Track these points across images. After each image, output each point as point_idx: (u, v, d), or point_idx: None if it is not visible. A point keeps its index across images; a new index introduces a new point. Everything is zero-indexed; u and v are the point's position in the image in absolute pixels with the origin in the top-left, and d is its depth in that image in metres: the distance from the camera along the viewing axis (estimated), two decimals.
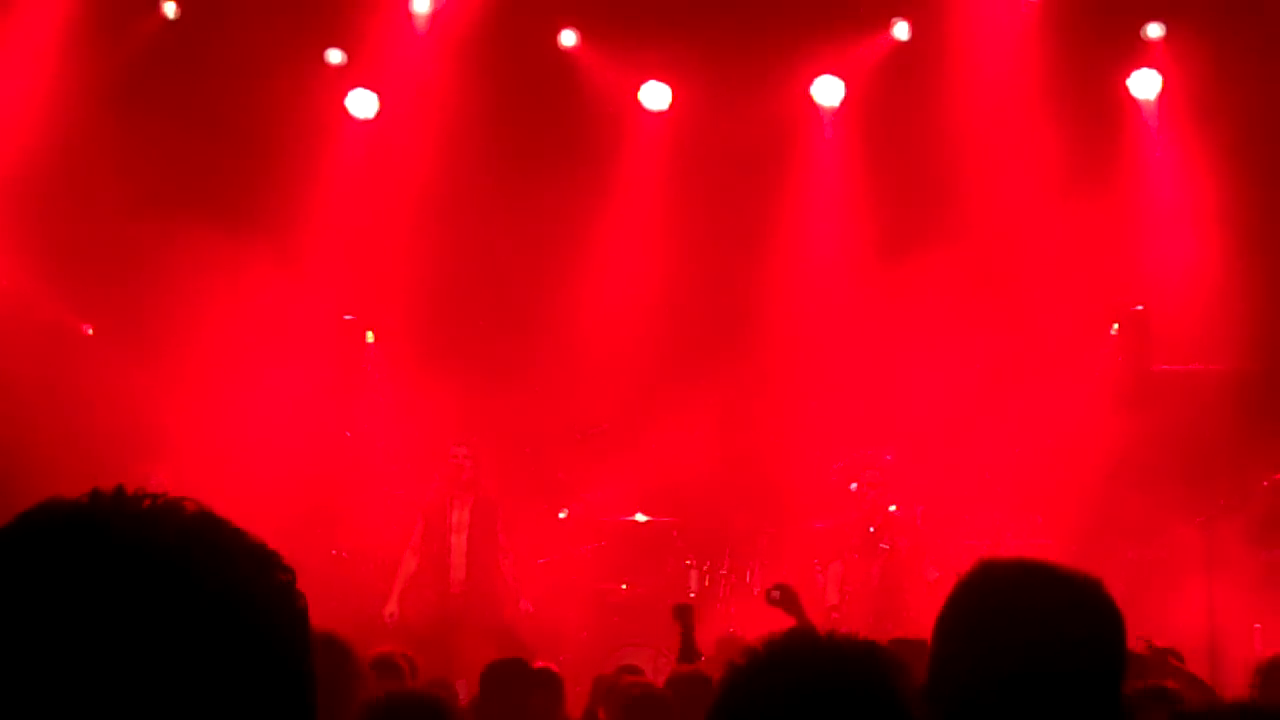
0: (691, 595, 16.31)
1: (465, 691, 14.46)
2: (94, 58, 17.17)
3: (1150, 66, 17.76)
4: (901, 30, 18.10)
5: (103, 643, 1.60)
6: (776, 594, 10.76)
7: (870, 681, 2.40)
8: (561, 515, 16.91)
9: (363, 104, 18.20)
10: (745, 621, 14.89)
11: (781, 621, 10.79)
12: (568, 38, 18.45)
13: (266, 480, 15.96)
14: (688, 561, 16.48)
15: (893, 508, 15.99)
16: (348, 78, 18.19)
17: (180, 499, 1.74)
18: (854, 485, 15.96)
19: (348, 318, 18.06)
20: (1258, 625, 14.66)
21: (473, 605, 15.65)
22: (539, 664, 10.29)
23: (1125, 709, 3.21)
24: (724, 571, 16.35)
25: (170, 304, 16.90)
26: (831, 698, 2.36)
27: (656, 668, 13.77)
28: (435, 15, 18.12)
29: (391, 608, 15.76)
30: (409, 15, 18.13)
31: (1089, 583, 3.25)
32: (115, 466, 15.15)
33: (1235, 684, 10.42)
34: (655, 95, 18.38)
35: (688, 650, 10.47)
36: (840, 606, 15.15)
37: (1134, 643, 8.62)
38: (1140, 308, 17.34)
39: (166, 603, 1.63)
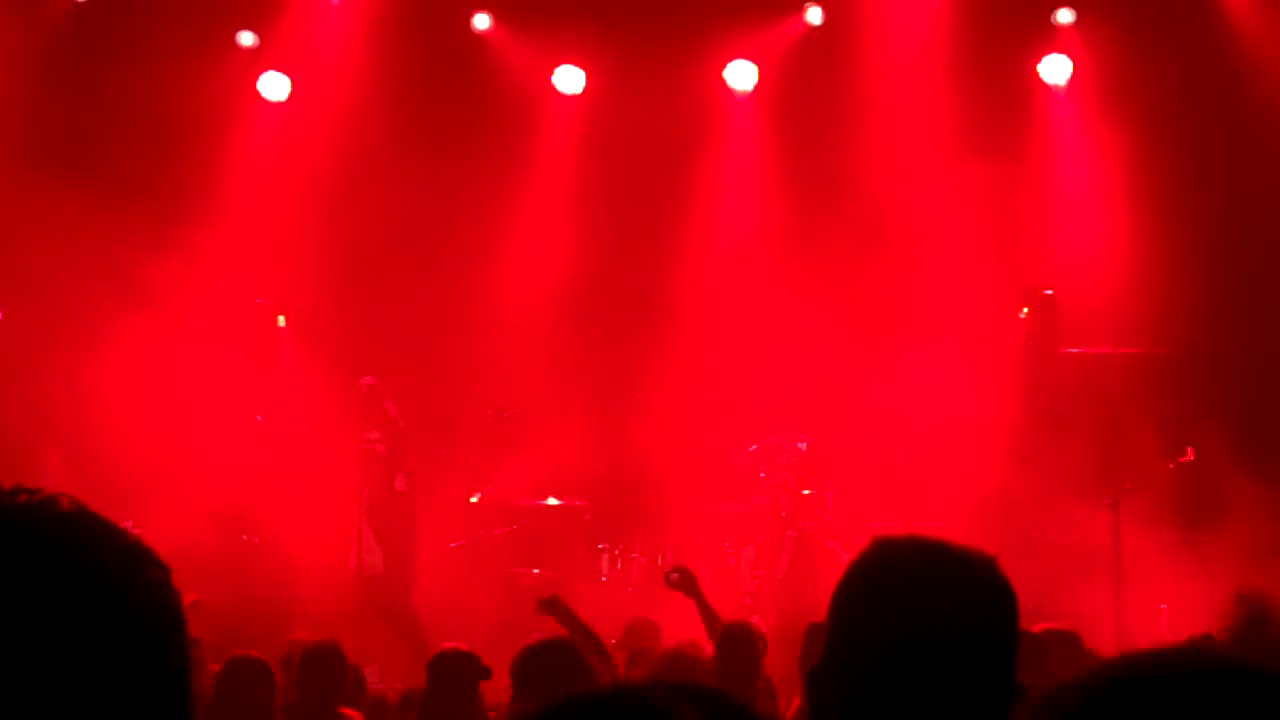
0: (603, 579, 16.36)
1: (377, 676, 14.48)
2: (2, 41, 17.00)
3: (1061, 52, 17.88)
4: (814, 15, 18.15)
5: None
6: (676, 576, 10.78)
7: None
8: (473, 499, 16.90)
9: (275, 87, 18.11)
10: (657, 605, 14.93)
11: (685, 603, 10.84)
12: (481, 21, 18.40)
13: (176, 465, 15.89)
14: (600, 545, 16.52)
15: (806, 492, 16.07)
16: (260, 60, 18.09)
17: (57, 495, 1.74)
18: (762, 473, 16.01)
19: (259, 301, 17.96)
20: (1164, 606, 14.80)
21: (379, 588, 15.64)
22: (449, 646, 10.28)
23: (1018, 686, 3.22)
24: (635, 555, 16.39)
25: (79, 288, 16.77)
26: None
27: None
28: None
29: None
30: None
31: (983, 559, 3.25)
32: (15, 451, 15.06)
33: None
34: (569, 79, 18.37)
35: (710, 617, 10.41)
36: (754, 591, 15.20)
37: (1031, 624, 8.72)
38: (1049, 292, 17.47)
39: (35, 597, 1.63)
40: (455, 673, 8.46)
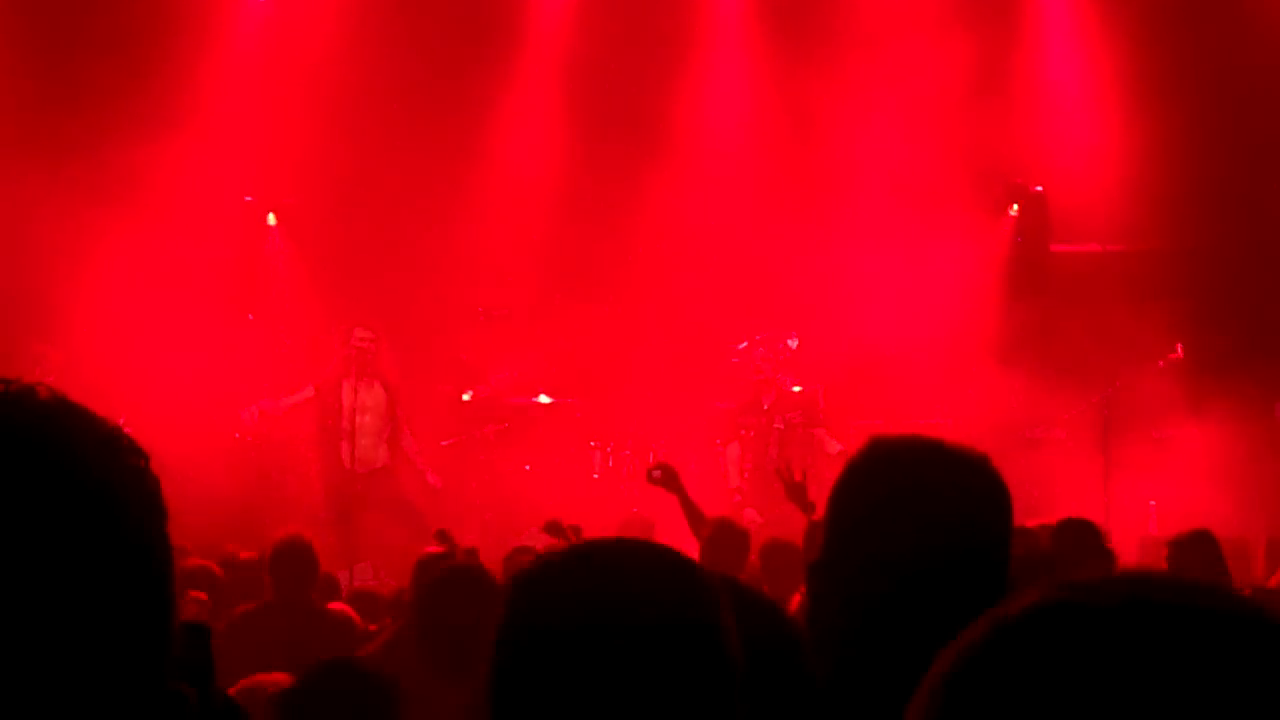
0: (595, 476, 16.41)
1: (370, 573, 14.57)
2: None
3: None
4: None
5: None
6: (658, 473, 10.81)
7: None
8: (465, 397, 16.93)
9: None
10: (649, 502, 14.99)
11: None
12: None
13: (166, 363, 15.89)
14: (592, 443, 16.56)
15: (796, 388, 16.10)
16: None
17: (35, 384, 1.75)
18: (754, 370, 15.96)
19: (248, 199, 17.92)
20: (1152, 502, 14.88)
21: (377, 484, 15.71)
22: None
23: (1011, 583, 3.27)
24: (627, 452, 16.44)
25: (68, 184, 16.72)
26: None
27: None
28: None
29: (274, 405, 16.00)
30: None
31: (977, 457, 3.30)
32: (7, 346, 15.07)
33: (1130, 560, 10.60)
34: None
35: (693, 513, 10.43)
36: (742, 487, 15.26)
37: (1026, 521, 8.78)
38: (1039, 188, 17.45)
39: (10, 484, 1.64)
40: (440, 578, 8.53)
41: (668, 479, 10.68)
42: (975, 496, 3.24)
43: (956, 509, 3.21)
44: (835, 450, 15.09)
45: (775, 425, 15.33)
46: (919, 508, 3.20)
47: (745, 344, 16.27)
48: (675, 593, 2.31)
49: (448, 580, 7.18)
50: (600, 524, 13.99)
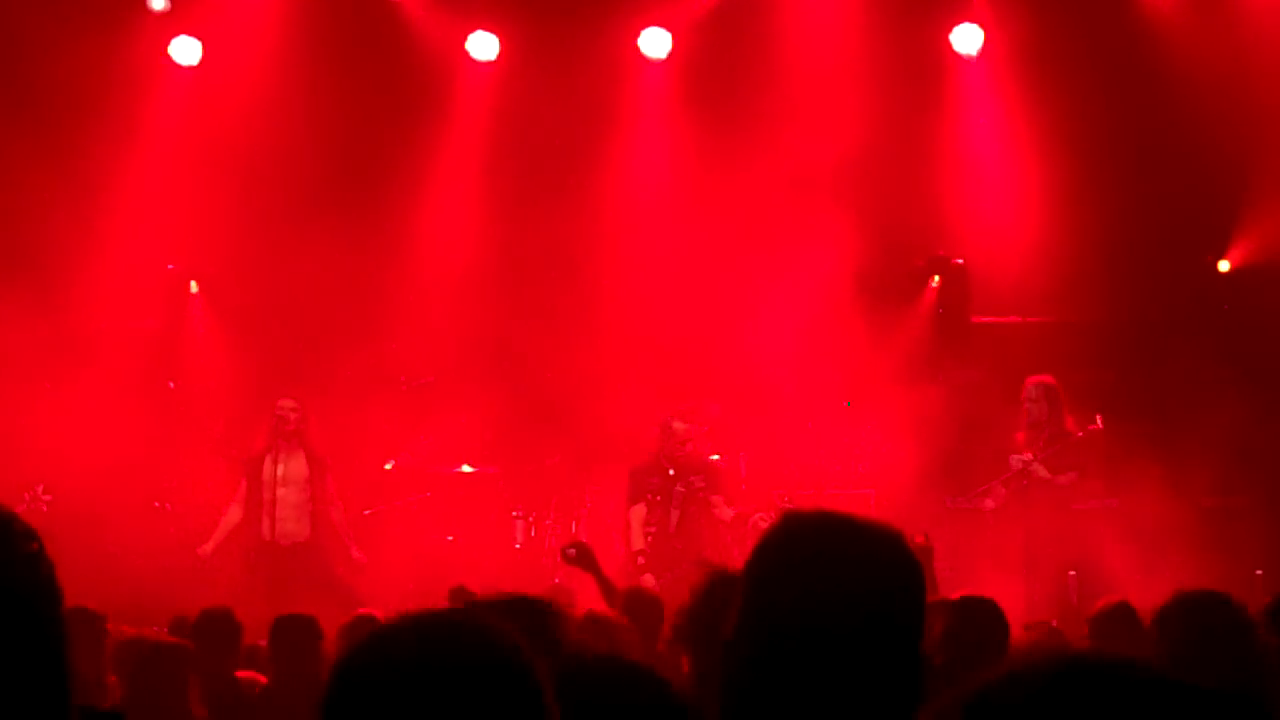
0: (517, 546, 16.37)
1: None
2: None
3: (972, 21, 17.95)
4: None
5: None
6: (572, 552, 10.85)
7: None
8: (388, 466, 16.88)
9: (186, 51, 17.96)
10: (572, 572, 14.95)
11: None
12: None
13: (85, 432, 15.79)
14: (514, 512, 16.52)
15: (715, 456, 16.14)
16: (171, 24, 17.94)
17: None
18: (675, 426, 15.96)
19: (170, 267, 17.87)
20: (1072, 573, 14.93)
21: (299, 558, 15.61)
22: (362, 611, 10.31)
23: (924, 658, 3.29)
24: (549, 522, 16.41)
25: None
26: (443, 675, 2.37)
27: None
28: None
29: (207, 548, 15.76)
30: None
31: (890, 534, 3.33)
32: None
33: (1051, 630, 10.60)
34: (483, 45, 18.30)
35: (608, 589, 10.45)
36: (644, 550, 15.28)
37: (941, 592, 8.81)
38: (960, 261, 17.58)
39: None
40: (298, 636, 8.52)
41: (582, 557, 10.73)
42: (886, 574, 3.27)
43: (867, 583, 3.23)
44: (728, 516, 15.19)
45: (677, 489, 15.38)
46: (830, 584, 3.22)
47: (669, 412, 16.29)
48: (484, 661, 2.34)
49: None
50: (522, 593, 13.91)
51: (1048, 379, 15.34)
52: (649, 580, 14.56)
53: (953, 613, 7.44)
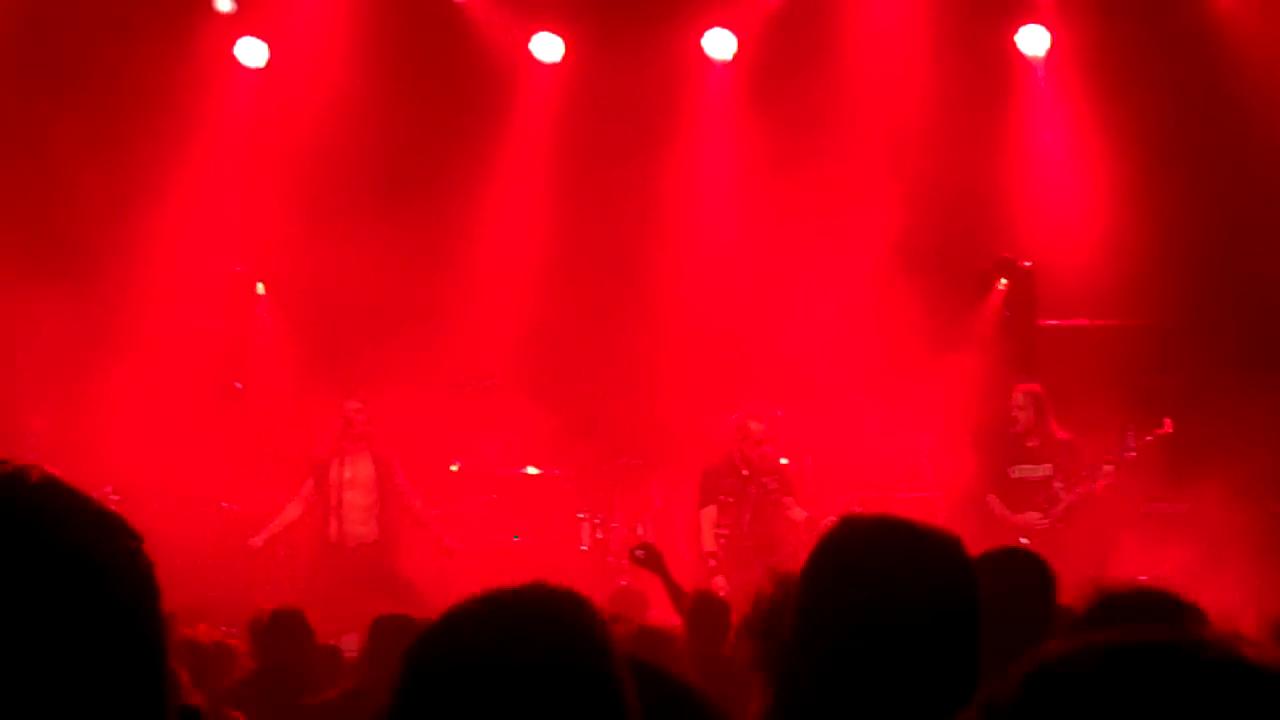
0: (583, 548, 16.37)
1: (357, 644, 14.49)
2: None
3: (1038, 23, 17.87)
4: None
5: None
6: (641, 554, 10.88)
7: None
8: (453, 468, 16.90)
9: (252, 53, 18.04)
10: (638, 574, 14.94)
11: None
12: None
13: (154, 433, 15.88)
14: (580, 514, 16.52)
15: (784, 460, 16.09)
16: (237, 26, 18.02)
17: (27, 467, 1.74)
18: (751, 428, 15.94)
19: (238, 269, 17.95)
20: (1142, 579, 14.82)
21: (366, 560, 15.65)
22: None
23: (977, 662, 3.30)
24: (615, 524, 16.40)
25: (59, 254, 16.76)
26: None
27: None
28: None
29: (258, 540, 15.83)
30: None
31: (946, 538, 3.35)
32: None
33: None
34: (547, 46, 18.32)
35: (675, 591, 10.46)
36: (715, 553, 15.24)
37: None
38: (1027, 264, 17.48)
39: (6, 566, 1.64)
40: (392, 638, 8.48)
41: (650, 559, 10.75)
42: (942, 578, 3.28)
43: (923, 589, 3.25)
44: (801, 517, 15.13)
45: (750, 491, 15.32)
46: (886, 588, 3.23)
47: (735, 415, 16.27)
48: (560, 639, 2.35)
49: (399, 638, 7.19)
50: (588, 596, 13.90)
51: (1035, 387, 15.25)
52: (721, 582, 14.51)
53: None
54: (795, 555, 14.20)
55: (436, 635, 2.39)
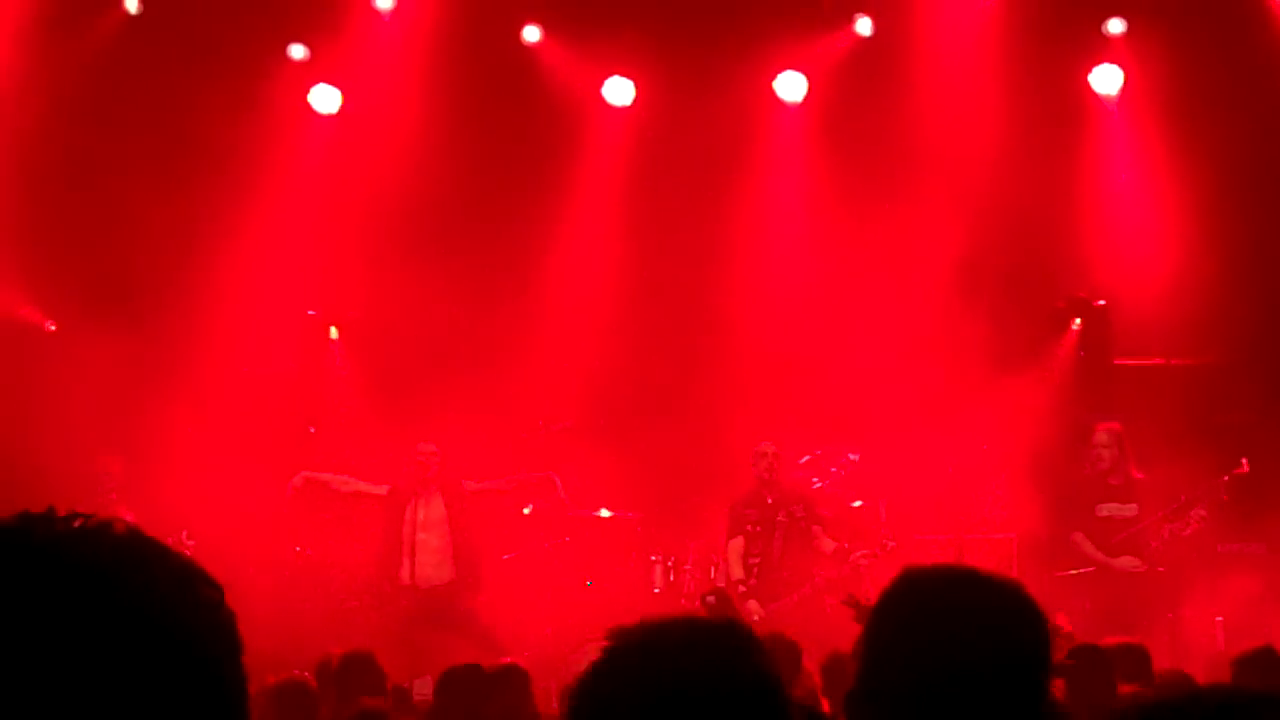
0: (656, 590, 16.34)
1: (430, 687, 14.51)
2: (54, 53, 17.09)
3: (1112, 62, 17.82)
4: (864, 25, 18.14)
5: (23, 660, 1.61)
6: (712, 599, 10.90)
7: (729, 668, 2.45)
8: (526, 511, 16.90)
9: (326, 99, 18.17)
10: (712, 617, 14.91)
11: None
12: (531, 33, 18.43)
13: (229, 476, 15.95)
14: (653, 557, 16.49)
15: (857, 504, 16.06)
16: (311, 73, 18.15)
17: (110, 520, 1.75)
18: (816, 482, 16.01)
19: (311, 313, 18.04)
20: (1219, 619, 14.73)
21: (440, 602, 15.67)
22: (503, 660, 10.33)
23: (1056, 709, 3.29)
24: (688, 566, 16.36)
25: (133, 299, 16.90)
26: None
27: None
28: (398, 10, 18.09)
29: (298, 480, 16.00)
30: (372, 10, 18.09)
31: (1009, 586, 3.36)
32: (76, 460, 15.15)
33: (1199, 677, 10.46)
34: (619, 90, 18.39)
35: None
36: (747, 580, 15.23)
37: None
38: (1102, 303, 17.40)
39: (88, 622, 1.64)
40: (464, 685, 8.48)
41: (722, 604, 10.76)
42: (1006, 625, 3.29)
43: (988, 638, 3.25)
44: (829, 548, 15.10)
45: (779, 519, 15.32)
46: (950, 637, 3.23)
47: (807, 458, 16.25)
48: (732, 668, 2.36)
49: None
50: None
51: (1116, 426, 15.18)
52: (754, 607, 14.56)
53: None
54: (829, 586, 14.22)
55: (606, 670, 2.42)
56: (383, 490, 16.07)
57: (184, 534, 14.48)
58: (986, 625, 3.27)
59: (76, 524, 1.74)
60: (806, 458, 16.25)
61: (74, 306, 16.98)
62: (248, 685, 1.79)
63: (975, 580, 3.34)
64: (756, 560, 15.31)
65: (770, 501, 15.40)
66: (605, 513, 16.78)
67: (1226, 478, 14.96)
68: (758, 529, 15.37)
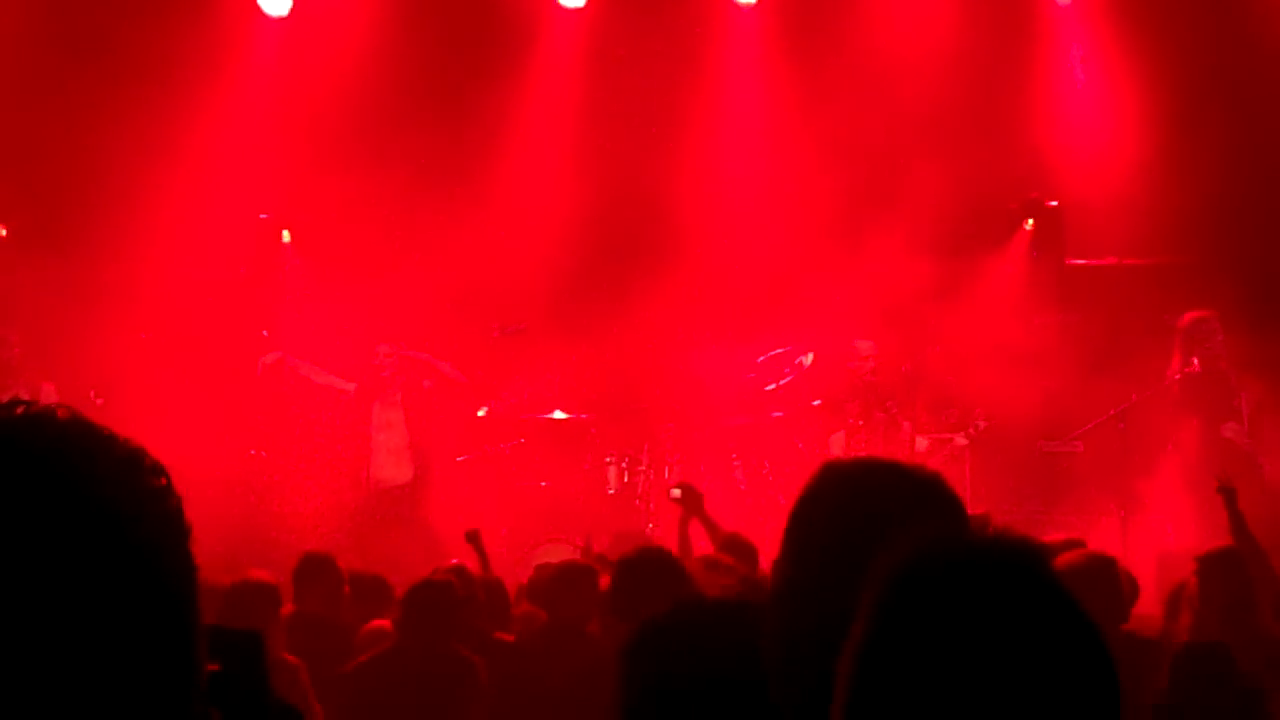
0: (610, 491, 16.39)
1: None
2: None
3: None
4: None
5: None
6: (678, 493, 10.85)
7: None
8: (480, 413, 16.91)
9: (276, 1, 17.98)
10: (664, 518, 14.98)
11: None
12: None
13: (181, 379, 15.91)
14: (607, 458, 16.53)
15: (816, 402, 16.10)
16: None
17: (54, 406, 1.73)
18: (770, 386, 16.04)
19: (263, 217, 17.94)
20: (1169, 524, 14.82)
21: (396, 502, 15.74)
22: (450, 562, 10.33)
23: None
24: (643, 468, 16.40)
25: (79, 210, 16.76)
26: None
27: None
28: None
29: (269, 359, 16.11)
30: None
31: (927, 474, 3.37)
32: (6, 380, 15.02)
33: (1145, 577, 10.55)
34: None
35: (713, 531, 10.46)
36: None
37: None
38: (1054, 203, 17.42)
39: (31, 510, 1.63)
40: (429, 602, 8.43)
41: (689, 499, 10.73)
42: (928, 513, 3.29)
43: (901, 519, 3.26)
44: (923, 446, 15.19)
45: (877, 416, 15.40)
46: (871, 525, 3.24)
47: (761, 361, 16.28)
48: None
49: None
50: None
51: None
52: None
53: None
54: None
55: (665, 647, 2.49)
56: (350, 387, 16.11)
57: (91, 393, 14.53)
58: (905, 517, 3.28)
59: (18, 410, 1.72)
60: (760, 359, 16.28)
61: (14, 222, 16.87)
62: (195, 572, 1.77)
63: (893, 471, 3.35)
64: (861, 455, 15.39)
65: (870, 398, 15.50)
66: (559, 414, 16.80)
67: (1179, 376, 15.03)
68: (860, 423, 15.46)
